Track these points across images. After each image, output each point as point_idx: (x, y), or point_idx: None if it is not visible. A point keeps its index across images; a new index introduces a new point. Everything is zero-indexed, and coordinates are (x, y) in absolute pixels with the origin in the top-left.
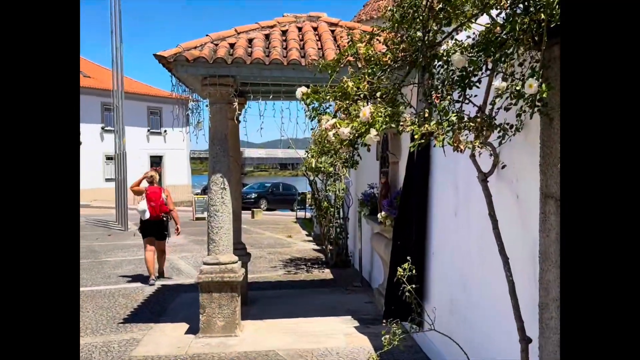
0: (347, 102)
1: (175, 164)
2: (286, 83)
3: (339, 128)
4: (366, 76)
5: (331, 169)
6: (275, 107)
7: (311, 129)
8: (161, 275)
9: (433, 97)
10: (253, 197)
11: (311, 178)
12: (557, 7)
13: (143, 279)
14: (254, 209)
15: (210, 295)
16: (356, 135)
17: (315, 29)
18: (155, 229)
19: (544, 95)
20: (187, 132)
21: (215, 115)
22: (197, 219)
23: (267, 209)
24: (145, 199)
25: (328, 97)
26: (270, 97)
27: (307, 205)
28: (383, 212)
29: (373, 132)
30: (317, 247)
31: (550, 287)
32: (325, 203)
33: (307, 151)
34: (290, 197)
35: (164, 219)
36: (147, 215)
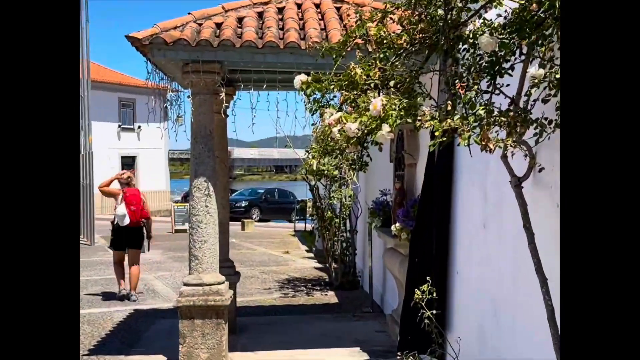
0: (355, 92)
1: (151, 165)
2: (283, 70)
3: (345, 123)
4: (377, 62)
5: (336, 172)
6: (269, 98)
7: (312, 124)
8: (127, 297)
9: (457, 87)
10: (243, 205)
11: (312, 183)
12: None
13: (112, 302)
14: (245, 220)
15: (192, 322)
16: (365, 131)
17: (317, 5)
18: (133, 238)
19: None
20: (165, 128)
21: (199, 108)
22: (177, 231)
23: (260, 220)
24: (123, 203)
25: (332, 86)
26: (264, 86)
27: (307, 216)
28: (398, 224)
29: (386, 128)
30: (320, 266)
31: None
32: (329, 213)
33: (307, 151)
34: (287, 205)
35: (143, 226)
36: (127, 221)
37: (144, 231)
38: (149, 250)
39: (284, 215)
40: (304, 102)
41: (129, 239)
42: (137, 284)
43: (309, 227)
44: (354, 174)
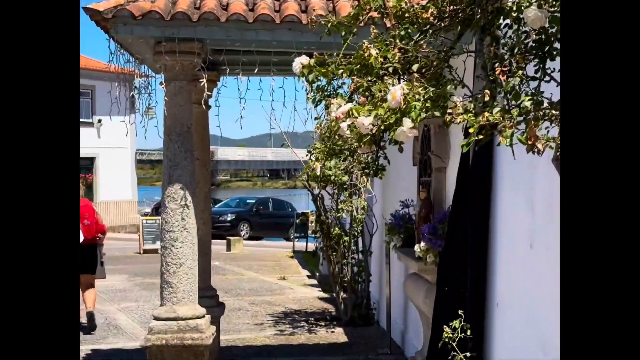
0: (369, 78)
1: (114, 169)
2: (279, 51)
3: (356, 117)
4: (397, 40)
5: (345, 178)
6: (262, 86)
7: (315, 118)
8: (90, 322)
9: (497, 72)
10: (229, 219)
11: (315, 191)
12: None
13: None
14: (231, 238)
15: None
16: (382, 127)
17: None
18: (87, 259)
19: None
20: (131, 122)
21: (174, 98)
22: (146, 251)
23: (250, 238)
24: None
25: (341, 71)
26: (256, 71)
27: (309, 233)
28: (423, 243)
29: (407, 123)
30: (324, 295)
31: None
32: (337, 229)
33: (309, 152)
34: (284, 219)
35: (99, 242)
36: (81, 238)
37: (99, 251)
38: (104, 275)
39: (280, 232)
40: (306, 90)
41: (84, 260)
42: (93, 306)
43: (311, 246)
44: (367, 181)
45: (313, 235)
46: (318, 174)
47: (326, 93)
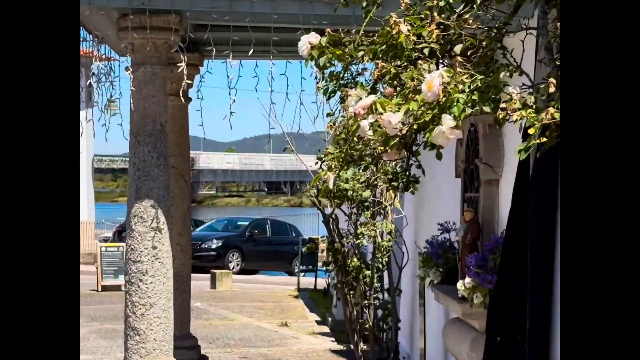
0: (399, 63)
1: None
2: (281, 26)
3: (381, 114)
4: (435, 13)
5: (366, 193)
6: (259, 72)
7: (327, 115)
8: None
9: None
10: (215, 247)
11: (328, 211)
12: None
13: None
14: (217, 271)
15: None
16: (415, 127)
17: None
18: None
19: None
20: (88, 119)
21: (144, 88)
22: (106, 288)
23: (243, 271)
24: None
25: (361, 53)
26: (251, 53)
27: (319, 265)
28: (468, 279)
29: (448, 121)
30: (339, 347)
31: None
32: (355, 260)
33: (320, 158)
34: (286, 247)
35: None
36: None
37: None
38: None
39: (280, 264)
40: (316, 78)
41: None
42: None
43: (321, 283)
44: (395, 197)
45: (324, 268)
46: (331, 187)
47: (342, 82)
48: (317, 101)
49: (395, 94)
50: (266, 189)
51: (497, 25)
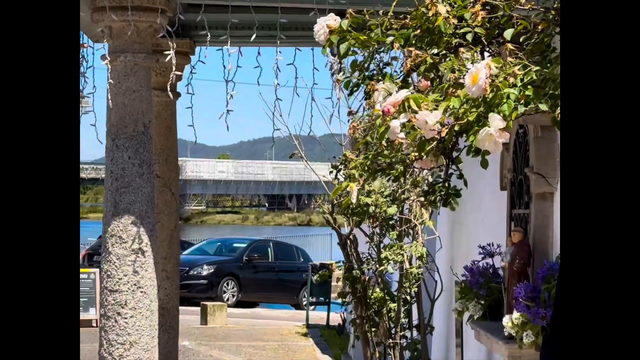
0: (436, 51)
1: None
2: (290, 6)
3: (415, 112)
4: None
5: (392, 209)
6: (262, 61)
7: (348, 114)
8: None
9: None
10: (205, 274)
11: (344, 230)
12: None
13: None
14: (208, 303)
15: None
16: (456, 128)
17: None
18: None
19: None
20: None
21: (124, 80)
22: None
23: (239, 303)
24: None
25: (390, 39)
26: (253, 38)
27: (332, 296)
28: (517, 314)
29: (497, 121)
30: None
31: None
32: (378, 291)
33: (335, 167)
34: (292, 275)
35: None
36: None
37: None
38: None
39: (285, 295)
40: (331, 69)
41: None
42: None
43: (335, 318)
44: (428, 214)
45: (339, 300)
46: (352, 202)
47: (366, 73)
48: (333, 97)
49: (432, 88)
50: (267, 204)
51: (555, 5)
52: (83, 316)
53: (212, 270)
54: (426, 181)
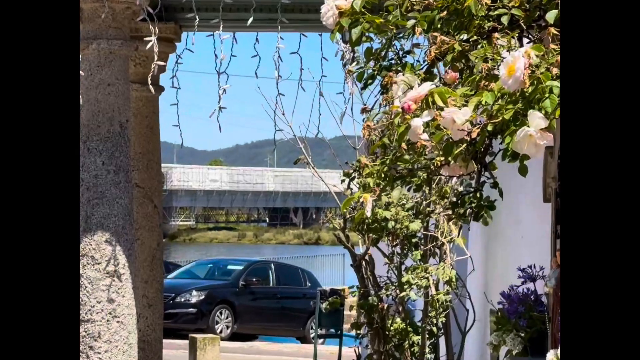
0: (465, 36)
1: None
2: None
3: (441, 109)
4: None
5: (416, 225)
6: (260, 50)
7: (362, 111)
8: None
9: None
10: (194, 301)
11: (359, 250)
12: None
13: None
14: (198, 336)
15: None
16: (490, 128)
17: None
18: None
19: None
20: None
21: (97, 72)
22: None
23: (235, 336)
24: None
25: (411, 22)
26: (249, 22)
27: (345, 327)
28: None
29: (537, 119)
30: None
31: None
32: (399, 321)
33: (348, 174)
34: (297, 301)
35: None
36: None
37: None
38: None
39: (289, 326)
40: (343, 58)
41: None
42: None
43: (348, 353)
44: (457, 230)
45: (353, 332)
46: (367, 216)
47: (383, 63)
48: (345, 92)
49: (460, 80)
50: (268, 219)
51: None
52: None
53: (203, 296)
54: (454, 191)
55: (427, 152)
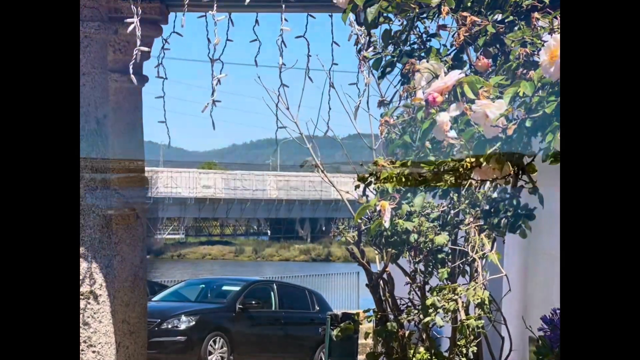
0: (500, 16)
1: None
2: None
3: (471, 101)
4: None
5: (442, 237)
6: (260, 32)
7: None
8: None
9: None
10: (184, 327)
11: (376, 268)
12: None
13: None
14: None
15: None
16: (529, 125)
17: None
18: None
19: None
20: None
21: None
22: None
23: None
24: None
25: (436, 0)
26: (247, 1)
27: (359, 358)
28: None
29: None
30: None
31: None
32: (423, 350)
33: (363, 178)
34: (303, 328)
35: None
36: None
37: None
38: None
39: (294, 356)
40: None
41: None
42: None
43: None
44: (491, 244)
45: None
46: (387, 226)
47: (404, 48)
48: (360, 82)
49: (494, 68)
50: (270, 231)
51: None
52: None
53: (194, 322)
54: (487, 198)
55: (455, 153)
